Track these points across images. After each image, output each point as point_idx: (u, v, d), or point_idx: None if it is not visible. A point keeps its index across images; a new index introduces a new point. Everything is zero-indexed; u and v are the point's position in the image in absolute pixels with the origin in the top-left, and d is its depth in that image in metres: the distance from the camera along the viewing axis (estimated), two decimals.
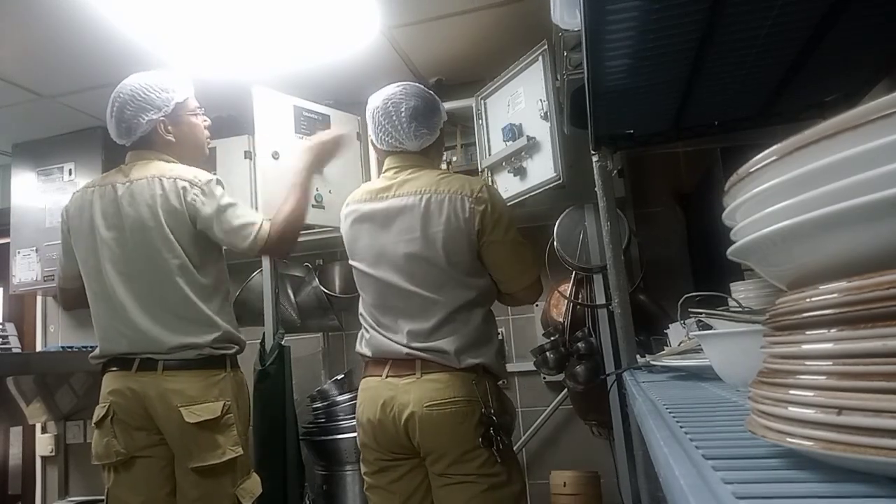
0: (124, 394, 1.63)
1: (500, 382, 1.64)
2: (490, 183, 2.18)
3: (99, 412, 1.65)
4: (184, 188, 1.69)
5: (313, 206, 2.27)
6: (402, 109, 1.61)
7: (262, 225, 1.71)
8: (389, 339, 1.57)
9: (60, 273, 1.85)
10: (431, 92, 1.69)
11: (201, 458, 1.62)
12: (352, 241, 1.68)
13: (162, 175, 1.70)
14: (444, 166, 2.32)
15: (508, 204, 2.09)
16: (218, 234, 1.69)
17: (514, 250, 1.60)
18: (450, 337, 1.52)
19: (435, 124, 1.66)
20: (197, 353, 1.66)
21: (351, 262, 1.69)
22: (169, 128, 1.76)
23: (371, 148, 1.83)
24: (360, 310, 1.69)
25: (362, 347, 1.65)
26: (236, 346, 1.76)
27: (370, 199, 1.65)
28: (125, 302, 1.67)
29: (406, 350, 1.52)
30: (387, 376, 1.54)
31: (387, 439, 1.53)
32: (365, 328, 1.65)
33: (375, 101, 1.67)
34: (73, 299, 1.84)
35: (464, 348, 1.52)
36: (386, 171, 1.68)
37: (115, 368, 1.68)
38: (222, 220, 1.69)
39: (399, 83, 1.68)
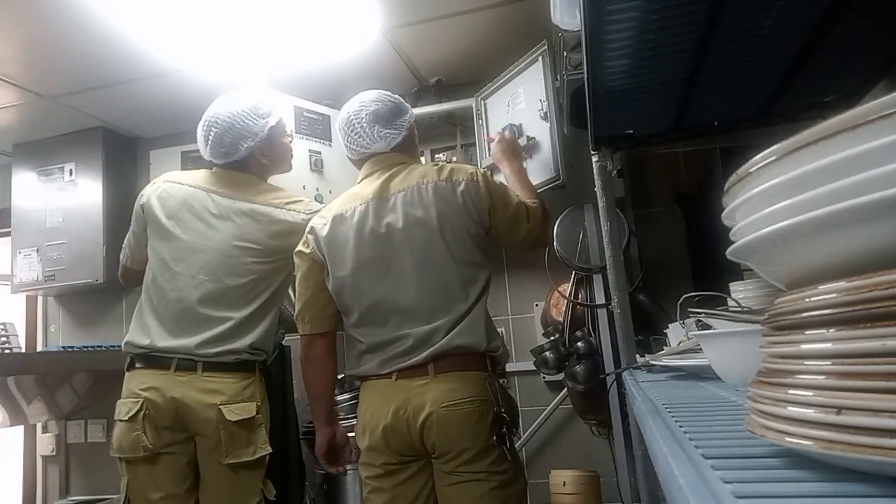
0: (161, 393, 1.66)
1: (503, 381, 1.65)
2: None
3: (131, 407, 1.67)
4: (292, 213, 1.80)
5: None
6: (363, 116, 1.67)
7: None
8: (395, 351, 1.55)
9: (129, 253, 1.89)
10: (395, 96, 1.73)
11: (236, 454, 1.67)
12: (337, 248, 1.62)
13: (268, 203, 1.79)
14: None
15: None
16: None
17: (517, 215, 1.61)
18: (476, 323, 1.54)
19: (400, 125, 1.69)
20: (235, 357, 1.72)
21: (338, 274, 1.62)
22: (263, 151, 1.83)
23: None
24: (352, 331, 1.66)
25: (359, 370, 1.63)
26: (266, 354, 1.84)
27: (362, 202, 1.62)
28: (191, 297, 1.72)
29: (423, 355, 1.50)
30: (397, 378, 1.53)
31: (399, 442, 1.52)
32: (359, 352, 1.64)
33: (340, 116, 1.73)
34: (138, 281, 1.87)
35: (488, 334, 1.56)
36: (367, 175, 1.68)
37: (142, 365, 1.71)
38: None
39: (362, 93, 1.73)
